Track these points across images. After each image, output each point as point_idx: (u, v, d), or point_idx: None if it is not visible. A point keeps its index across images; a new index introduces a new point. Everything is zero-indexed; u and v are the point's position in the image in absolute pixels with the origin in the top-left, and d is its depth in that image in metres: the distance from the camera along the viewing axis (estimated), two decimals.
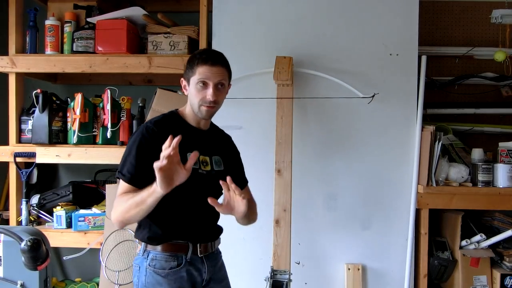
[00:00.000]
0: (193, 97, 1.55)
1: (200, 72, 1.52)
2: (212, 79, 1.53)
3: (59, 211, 2.46)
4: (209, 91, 1.53)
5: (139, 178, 1.45)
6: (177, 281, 1.52)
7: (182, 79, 1.60)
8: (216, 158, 1.64)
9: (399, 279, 2.35)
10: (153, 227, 1.53)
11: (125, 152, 1.51)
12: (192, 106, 1.57)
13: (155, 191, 1.34)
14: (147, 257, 1.53)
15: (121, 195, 1.46)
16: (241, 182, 1.71)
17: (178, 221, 1.55)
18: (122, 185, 1.48)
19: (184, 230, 1.55)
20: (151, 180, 1.35)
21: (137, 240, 1.61)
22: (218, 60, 1.55)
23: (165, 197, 1.36)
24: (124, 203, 1.43)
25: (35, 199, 2.59)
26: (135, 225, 1.71)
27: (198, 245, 1.56)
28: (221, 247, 1.70)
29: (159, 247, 1.53)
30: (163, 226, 1.53)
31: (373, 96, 2.25)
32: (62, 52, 2.58)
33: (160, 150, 1.29)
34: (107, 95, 2.46)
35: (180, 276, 1.53)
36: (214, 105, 1.55)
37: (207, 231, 1.63)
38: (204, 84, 1.53)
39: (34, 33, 2.58)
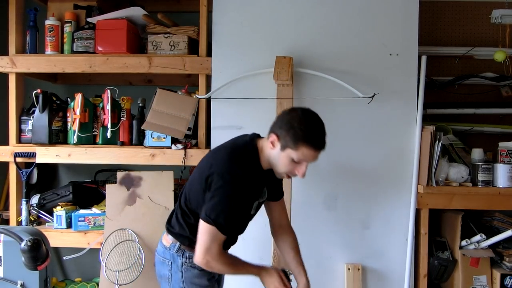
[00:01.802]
0: (281, 165, 1.59)
1: (305, 154, 1.54)
2: (311, 161, 1.58)
3: (59, 211, 2.46)
4: (302, 170, 1.59)
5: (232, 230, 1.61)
6: (209, 273, 1.65)
7: (274, 135, 1.56)
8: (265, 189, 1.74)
9: (399, 279, 2.35)
10: (193, 236, 1.60)
11: (220, 196, 1.52)
12: (275, 166, 1.62)
13: (259, 274, 1.65)
14: (182, 255, 1.66)
15: (218, 245, 1.54)
16: (280, 194, 1.87)
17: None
18: (215, 233, 1.53)
19: (226, 243, 1.62)
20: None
21: (168, 234, 1.70)
22: (324, 146, 1.59)
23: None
24: (228, 264, 1.59)
25: (35, 199, 2.59)
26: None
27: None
28: None
29: (192, 250, 1.61)
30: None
31: (373, 96, 2.25)
32: (62, 52, 2.58)
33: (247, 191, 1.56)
34: (107, 95, 2.46)
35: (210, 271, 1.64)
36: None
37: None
38: (300, 162, 1.57)
39: (34, 33, 2.58)
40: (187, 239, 1.66)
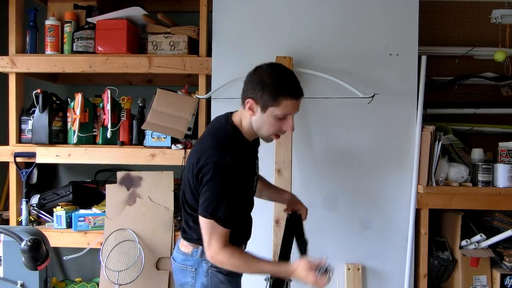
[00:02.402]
0: (267, 127, 1.51)
1: (288, 106, 1.47)
2: (294, 112, 1.52)
3: (59, 211, 2.46)
4: (290, 124, 1.52)
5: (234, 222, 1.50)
6: (236, 277, 1.62)
7: (250, 100, 1.48)
8: (257, 160, 1.72)
9: (399, 279, 2.35)
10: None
11: (215, 186, 1.45)
12: (258, 130, 1.54)
13: (284, 272, 1.55)
14: (206, 260, 1.54)
15: (222, 240, 1.47)
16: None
17: (239, 226, 1.57)
18: (215, 226, 1.46)
19: (241, 234, 1.62)
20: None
21: (187, 241, 1.62)
22: (302, 92, 1.53)
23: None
24: (238, 259, 1.49)
25: (35, 199, 2.58)
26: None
27: (243, 245, 1.68)
28: None
29: None
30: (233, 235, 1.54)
31: (373, 96, 2.25)
32: (62, 52, 2.58)
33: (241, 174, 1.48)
34: (107, 95, 2.46)
35: (235, 273, 1.59)
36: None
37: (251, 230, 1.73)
38: (285, 117, 1.51)
39: (34, 33, 2.58)
40: None
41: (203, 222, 1.48)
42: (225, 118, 1.60)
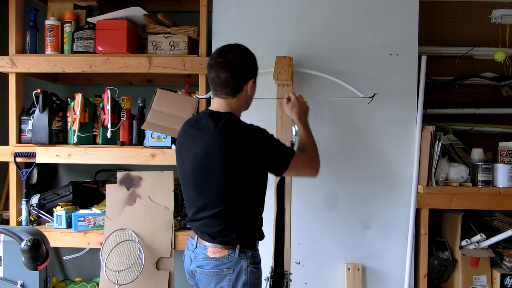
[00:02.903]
0: (253, 94, 1.70)
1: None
2: None
3: (59, 211, 2.46)
4: None
5: None
6: (261, 270, 1.69)
7: (250, 81, 1.64)
8: None
9: (399, 279, 2.35)
10: (250, 229, 1.65)
11: (271, 141, 1.61)
12: (247, 104, 1.72)
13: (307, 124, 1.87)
14: (245, 256, 1.61)
15: (304, 156, 1.73)
16: None
17: (260, 219, 1.71)
18: (296, 157, 1.65)
19: (261, 226, 1.71)
20: None
21: (223, 245, 1.61)
22: None
23: (261, 196, 1.68)
24: (311, 150, 1.78)
25: (35, 199, 2.58)
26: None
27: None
28: None
29: (254, 245, 1.67)
30: (256, 225, 1.69)
31: (373, 96, 2.25)
32: (62, 52, 2.58)
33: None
34: (107, 95, 2.46)
35: (261, 265, 1.69)
36: None
37: None
38: None
39: (34, 33, 2.58)
40: (246, 236, 1.63)
41: (293, 164, 1.63)
42: (217, 111, 1.66)
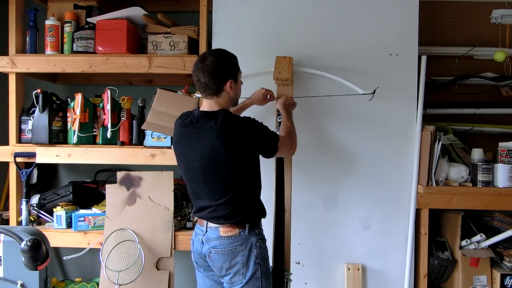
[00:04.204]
0: (240, 90, 1.90)
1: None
2: None
3: (59, 211, 2.46)
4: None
5: None
6: (266, 246, 1.88)
7: (228, 81, 1.79)
8: None
9: (399, 279, 2.35)
10: (255, 208, 1.84)
11: (264, 129, 1.83)
12: (235, 100, 1.89)
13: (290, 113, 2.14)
14: (254, 233, 1.80)
15: (285, 137, 1.95)
16: None
17: (260, 199, 1.89)
18: (280, 140, 1.87)
19: (262, 205, 1.90)
20: None
21: (233, 225, 1.78)
22: None
23: (258, 177, 1.86)
24: (293, 134, 2.02)
25: (35, 199, 2.58)
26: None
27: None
28: None
29: (259, 223, 1.87)
30: (259, 204, 1.88)
31: (373, 92, 2.24)
32: (62, 52, 2.58)
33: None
34: (107, 95, 2.46)
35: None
36: None
37: None
38: None
39: (34, 33, 2.58)
40: (252, 214, 1.81)
41: (280, 145, 1.86)
42: (212, 112, 1.81)
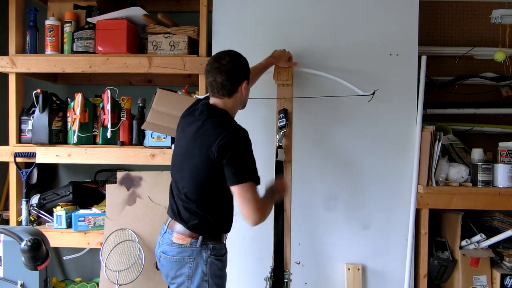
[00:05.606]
0: (248, 94, 1.85)
1: None
2: None
3: (59, 211, 2.46)
4: None
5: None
6: (226, 262, 1.78)
7: (243, 83, 1.76)
8: None
9: (399, 279, 2.35)
10: (217, 221, 1.72)
11: (244, 155, 1.66)
12: (243, 104, 1.85)
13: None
14: (206, 247, 1.69)
15: (258, 196, 1.67)
16: None
17: (229, 214, 1.79)
18: (254, 187, 1.65)
19: (229, 222, 1.80)
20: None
21: (186, 230, 1.70)
22: None
23: (230, 195, 1.69)
24: (268, 205, 1.73)
25: (35, 199, 2.59)
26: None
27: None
28: None
29: (218, 238, 1.75)
30: (226, 221, 1.78)
31: (373, 93, 2.24)
32: (62, 52, 2.58)
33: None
34: (107, 95, 2.46)
35: (226, 257, 1.79)
36: None
37: None
38: None
39: (34, 33, 2.58)
40: (210, 228, 1.71)
41: (243, 188, 1.62)
42: (214, 106, 1.78)
